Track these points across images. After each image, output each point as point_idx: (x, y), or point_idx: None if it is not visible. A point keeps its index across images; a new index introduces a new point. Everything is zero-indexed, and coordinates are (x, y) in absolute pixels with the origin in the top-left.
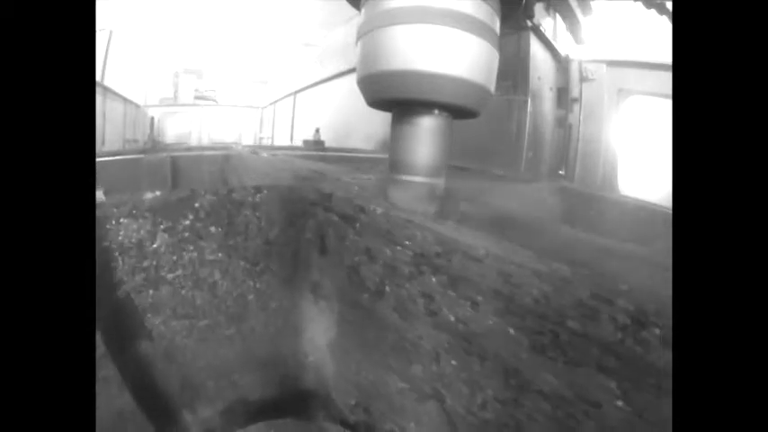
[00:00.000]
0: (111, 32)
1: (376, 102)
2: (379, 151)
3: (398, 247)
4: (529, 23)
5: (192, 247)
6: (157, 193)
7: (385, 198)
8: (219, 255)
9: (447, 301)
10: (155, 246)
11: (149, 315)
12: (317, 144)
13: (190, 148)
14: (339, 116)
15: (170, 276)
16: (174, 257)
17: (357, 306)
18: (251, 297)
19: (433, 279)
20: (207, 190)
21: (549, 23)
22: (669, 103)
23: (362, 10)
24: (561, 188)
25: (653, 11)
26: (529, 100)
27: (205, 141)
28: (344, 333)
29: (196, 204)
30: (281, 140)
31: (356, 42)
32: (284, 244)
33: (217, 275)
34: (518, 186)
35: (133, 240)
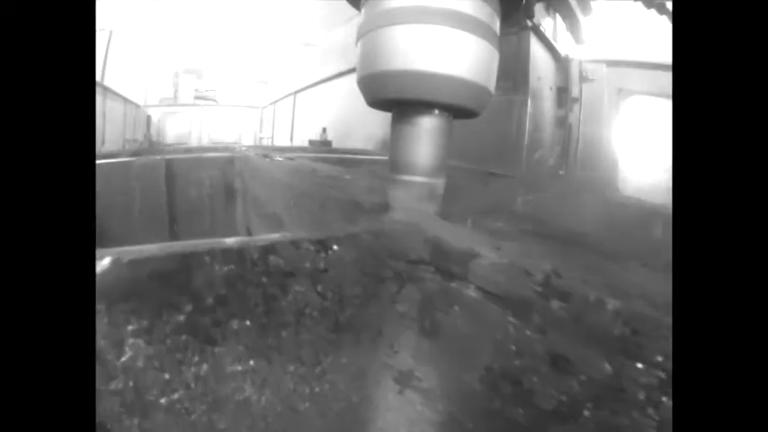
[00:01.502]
0: (111, 32)
1: (376, 102)
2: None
3: (647, 367)
4: (529, 23)
5: (197, 358)
6: (107, 259)
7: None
8: (252, 362)
9: None
10: (123, 360)
11: None
12: (323, 144)
13: (189, 149)
14: (339, 116)
15: (164, 401)
16: (167, 375)
17: (494, 419)
18: (305, 405)
19: None
20: (212, 251)
21: (549, 23)
22: (669, 103)
23: (362, 10)
24: (609, 200)
25: (653, 11)
26: (529, 100)
27: (205, 141)
28: None
29: (197, 283)
30: (281, 140)
31: (356, 42)
32: (362, 327)
33: (248, 390)
34: (570, 201)
35: None
